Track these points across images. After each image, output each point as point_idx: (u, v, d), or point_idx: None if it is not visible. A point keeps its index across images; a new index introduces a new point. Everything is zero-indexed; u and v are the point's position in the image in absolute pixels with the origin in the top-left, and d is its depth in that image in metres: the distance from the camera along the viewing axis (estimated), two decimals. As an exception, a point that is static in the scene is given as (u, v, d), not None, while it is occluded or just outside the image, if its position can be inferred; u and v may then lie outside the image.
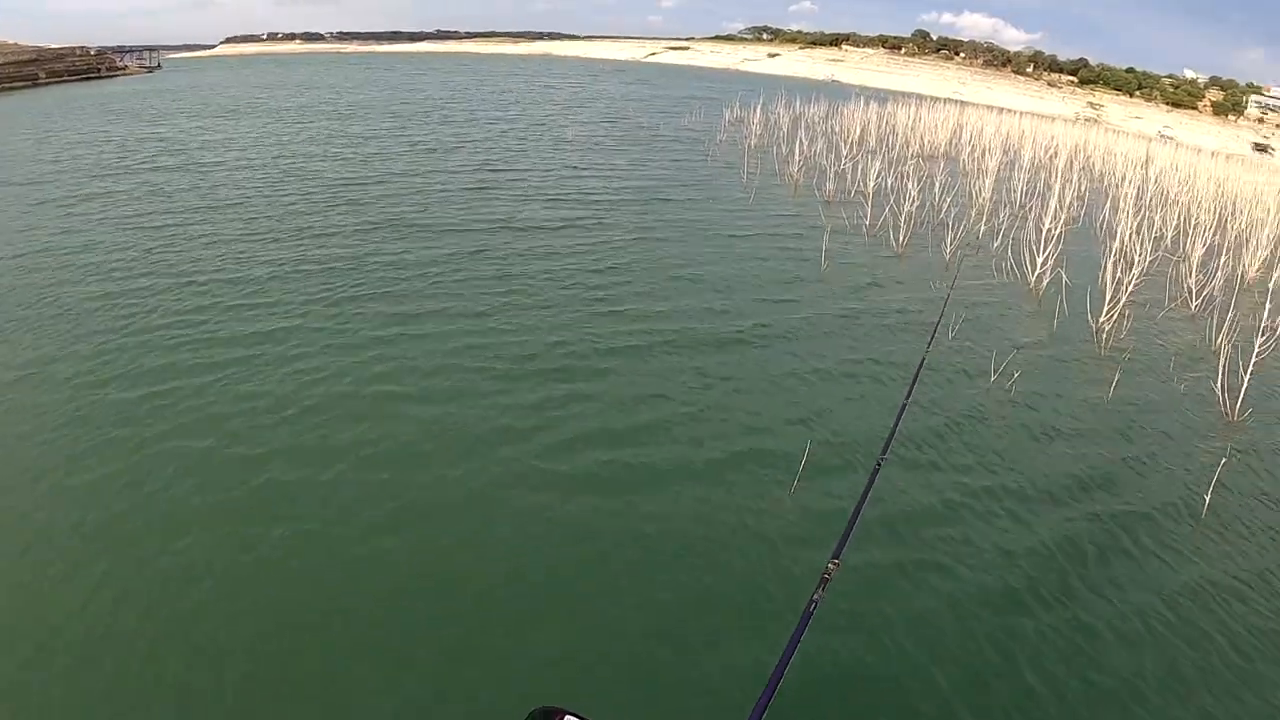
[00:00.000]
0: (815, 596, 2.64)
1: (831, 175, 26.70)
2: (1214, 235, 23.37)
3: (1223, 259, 20.78)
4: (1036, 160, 36.35)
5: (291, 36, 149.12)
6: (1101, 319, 15.99)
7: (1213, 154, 53.05)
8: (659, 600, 7.27)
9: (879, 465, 3.74)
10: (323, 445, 9.44)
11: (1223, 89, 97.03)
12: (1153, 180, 33.19)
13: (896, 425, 4.37)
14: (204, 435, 9.55)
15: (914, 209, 21.54)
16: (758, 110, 38.94)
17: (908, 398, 4.85)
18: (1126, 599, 8.18)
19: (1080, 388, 13.50)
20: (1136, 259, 17.74)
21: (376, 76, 67.31)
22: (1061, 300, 16.69)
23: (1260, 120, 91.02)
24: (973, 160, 34.51)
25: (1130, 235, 20.60)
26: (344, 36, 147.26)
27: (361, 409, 10.29)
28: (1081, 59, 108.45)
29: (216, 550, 7.58)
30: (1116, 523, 9.63)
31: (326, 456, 9.19)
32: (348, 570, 7.41)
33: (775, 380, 12.09)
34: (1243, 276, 21.39)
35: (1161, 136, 71.06)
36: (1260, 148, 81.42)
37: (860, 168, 27.81)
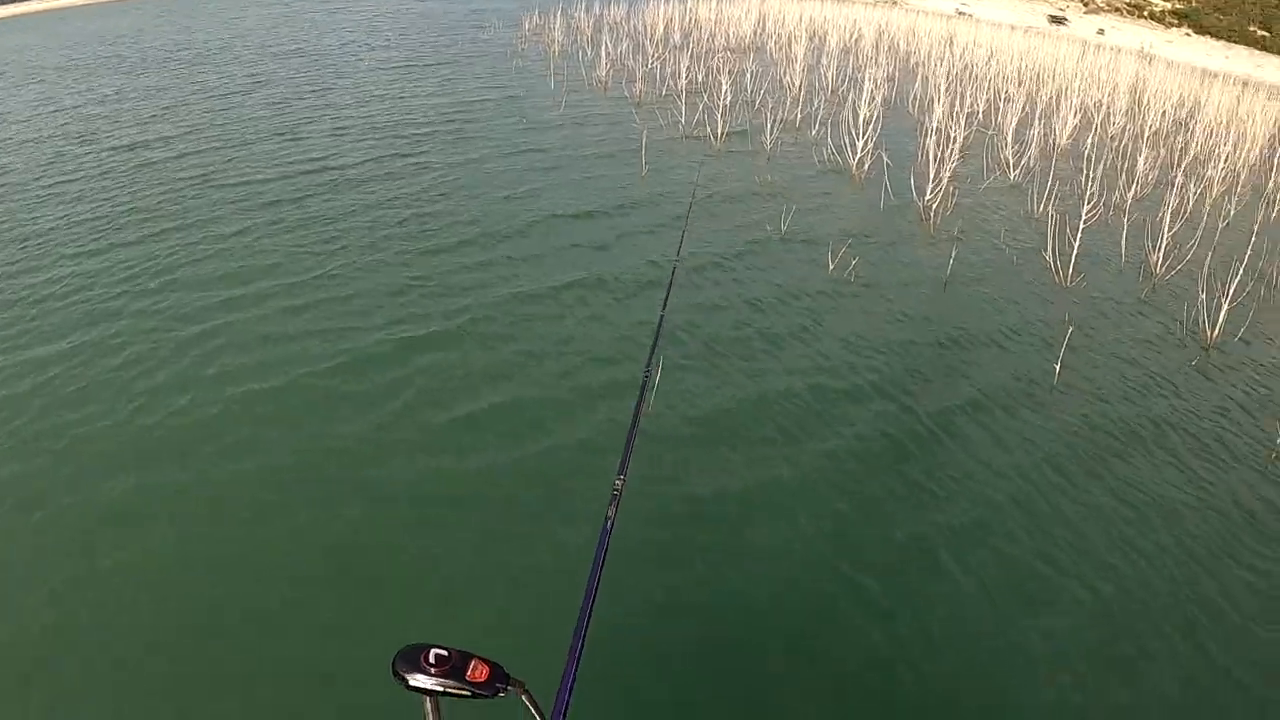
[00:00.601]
0: (609, 514, 2.61)
1: (640, 76, 25.48)
2: (1024, 107, 23.26)
3: (1034, 129, 20.66)
4: (843, 44, 35.94)
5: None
6: (928, 198, 15.51)
7: (1012, 28, 54.02)
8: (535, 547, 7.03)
9: (645, 376, 3.62)
10: (170, 455, 8.01)
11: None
12: (959, 56, 33.17)
13: (657, 339, 4.24)
14: (32, 460, 7.95)
15: (728, 103, 20.63)
16: (558, 16, 37.22)
17: (664, 308, 4.67)
18: (988, 470, 8.32)
19: (918, 268, 13.09)
20: (954, 135, 17.30)
21: (155, 22, 61.21)
22: (886, 183, 16.09)
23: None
24: (780, 49, 33.84)
25: (945, 113, 20.26)
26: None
27: (208, 415, 8.64)
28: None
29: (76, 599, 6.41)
30: (975, 400, 9.52)
31: (177, 466, 7.83)
32: (228, 571, 6.74)
33: (618, 304, 11.23)
34: (1055, 145, 21.32)
35: (959, 14, 71.89)
36: (1056, 20, 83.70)
37: (669, 66, 26.75)
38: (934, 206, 15.33)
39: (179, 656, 6.03)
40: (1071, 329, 10.64)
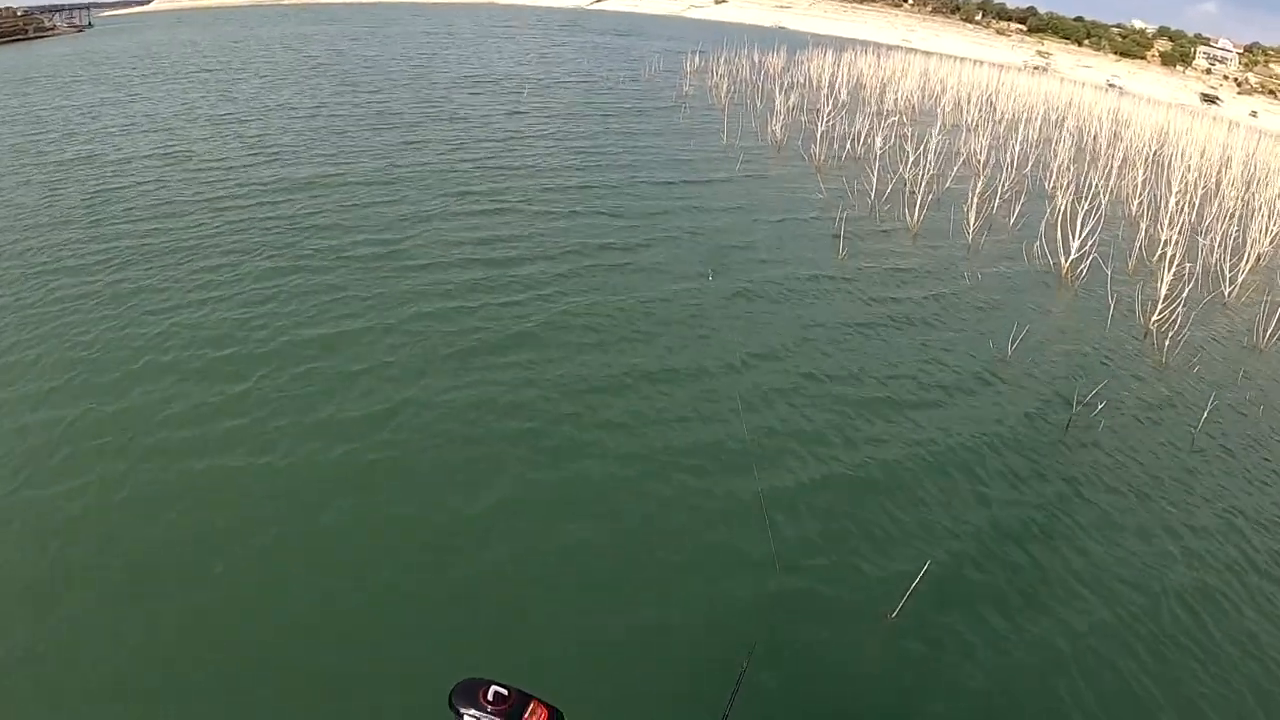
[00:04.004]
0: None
1: (817, 136, 24.64)
2: (1216, 204, 21.94)
3: (1224, 228, 19.30)
4: (1013, 114, 34.66)
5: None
6: (1154, 319, 14.39)
7: (1168, 106, 52.36)
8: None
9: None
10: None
11: (1171, 39, 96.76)
12: (1135, 140, 31.73)
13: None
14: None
15: (920, 177, 19.71)
16: (720, 62, 36.68)
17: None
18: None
19: (1164, 421, 11.64)
20: (1162, 237, 16.04)
21: (321, 31, 60.70)
22: (1108, 297, 14.87)
23: (1208, 72, 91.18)
24: (952, 114, 32.81)
25: (1145, 210, 19.29)
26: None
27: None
28: (1030, 7, 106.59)
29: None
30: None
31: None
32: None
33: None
34: (1260, 256, 19.86)
35: (1110, 86, 70.34)
36: (1208, 99, 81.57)
37: (842, 126, 25.93)
38: (1162, 329, 14.14)
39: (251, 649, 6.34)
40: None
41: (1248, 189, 25.58)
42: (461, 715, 2.02)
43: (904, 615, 7.08)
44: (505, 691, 2.05)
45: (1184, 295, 14.65)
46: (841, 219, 17.10)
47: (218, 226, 15.20)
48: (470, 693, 2.04)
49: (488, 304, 12.46)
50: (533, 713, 2.03)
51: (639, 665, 6.35)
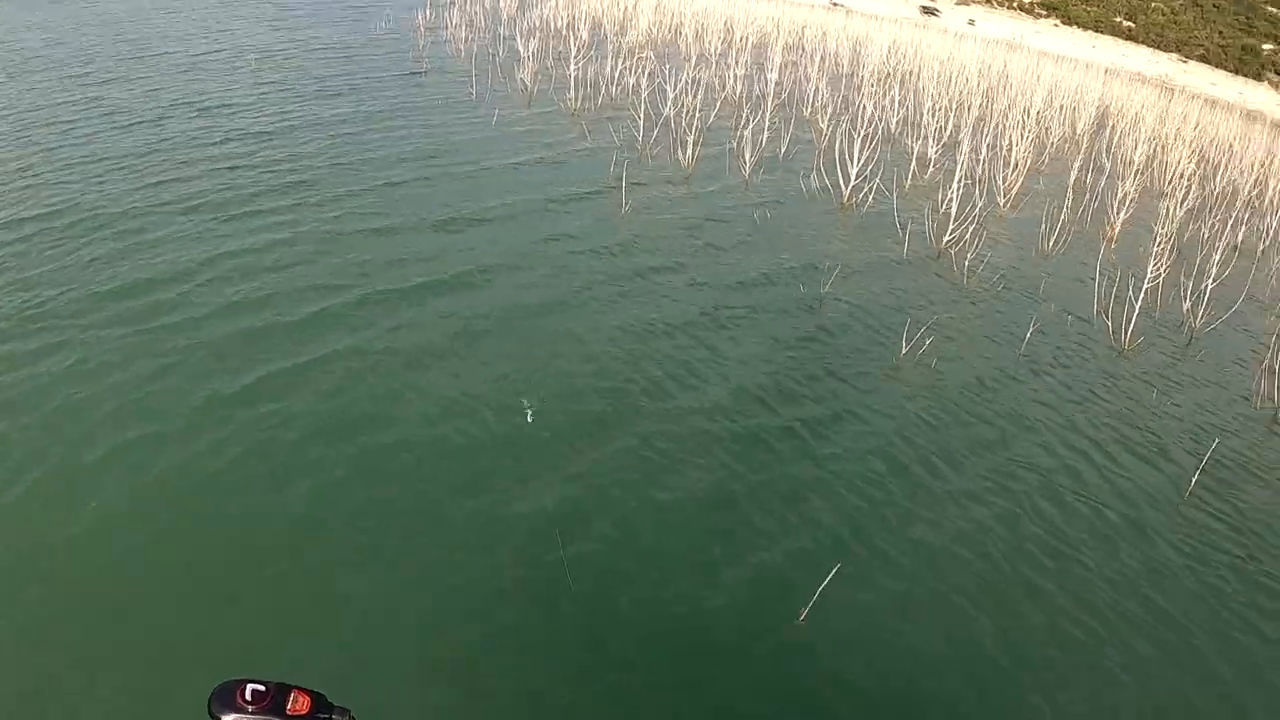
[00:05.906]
0: None
1: (570, 82, 23.17)
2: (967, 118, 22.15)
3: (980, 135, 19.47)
4: (751, 41, 34.32)
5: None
6: (946, 239, 13.94)
7: (895, 21, 54.07)
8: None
9: None
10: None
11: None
12: (881, 61, 31.94)
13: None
14: None
15: (681, 115, 18.78)
16: (455, 12, 34.66)
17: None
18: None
19: (988, 346, 11.41)
20: (931, 156, 15.81)
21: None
22: (896, 223, 14.42)
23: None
24: (698, 46, 32.12)
25: (902, 127, 18.98)
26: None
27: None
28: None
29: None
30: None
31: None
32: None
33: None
34: (1016, 160, 19.95)
35: (833, 4, 71.97)
36: (928, 10, 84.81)
37: (599, 69, 24.64)
38: (957, 250, 13.75)
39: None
40: (1216, 440, 9.25)
41: (987, 98, 26.02)
42: None
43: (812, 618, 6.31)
44: (262, 687, 1.86)
45: (974, 214, 14.35)
46: (615, 169, 15.81)
47: None
48: (227, 697, 1.83)
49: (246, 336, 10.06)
50: (295, 702, 1.86)
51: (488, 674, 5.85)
